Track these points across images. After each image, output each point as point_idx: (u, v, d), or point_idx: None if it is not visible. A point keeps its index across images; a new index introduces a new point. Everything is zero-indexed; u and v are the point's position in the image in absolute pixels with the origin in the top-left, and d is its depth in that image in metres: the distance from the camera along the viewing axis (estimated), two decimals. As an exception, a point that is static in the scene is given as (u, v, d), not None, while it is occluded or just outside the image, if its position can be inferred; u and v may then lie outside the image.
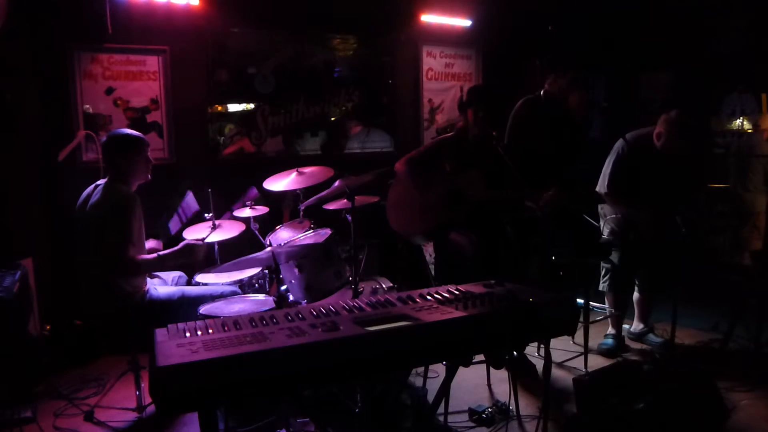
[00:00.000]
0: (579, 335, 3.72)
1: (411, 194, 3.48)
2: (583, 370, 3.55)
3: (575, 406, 2.80)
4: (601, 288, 4.01)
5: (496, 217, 3.45)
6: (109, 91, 4.23)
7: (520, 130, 3.78)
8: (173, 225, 3.58)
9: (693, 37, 5.62)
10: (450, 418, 2.91)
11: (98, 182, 3.08)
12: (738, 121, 5.62)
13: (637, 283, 3.98)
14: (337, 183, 3.19)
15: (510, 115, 3.85)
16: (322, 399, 3.03)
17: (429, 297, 2.17)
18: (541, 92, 3.85)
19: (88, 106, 4.17)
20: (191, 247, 2.96)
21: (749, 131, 5.48)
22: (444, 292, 2.22)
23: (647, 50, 5.84)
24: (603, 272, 3.99)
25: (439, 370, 3.42)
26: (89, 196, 3.03)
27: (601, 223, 3.99)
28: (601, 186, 3.83)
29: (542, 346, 3.55)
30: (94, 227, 2.91)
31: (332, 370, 1.74)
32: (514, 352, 3.39)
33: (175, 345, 1.64)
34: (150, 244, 3.30)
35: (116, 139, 3.05)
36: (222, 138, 4.74)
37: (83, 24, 4.02)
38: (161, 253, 2.98)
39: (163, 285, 3.28)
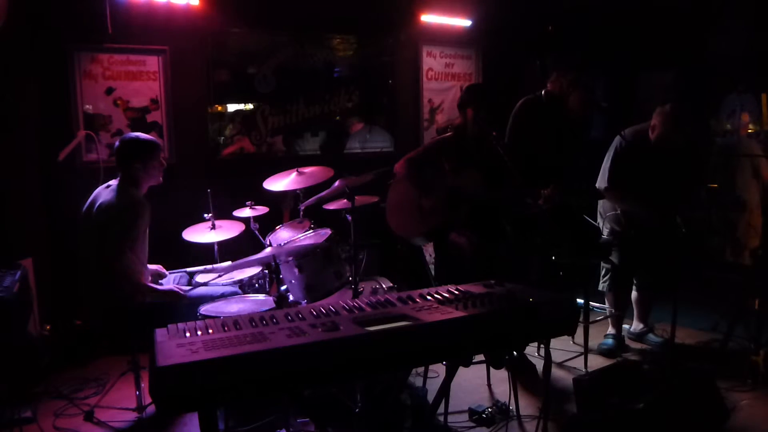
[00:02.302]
0: (579, 335, 3.72)
1: (411, 195, 3.48)
2: (583, 370, 3.55)
3: (575, 406, 2.80)
4: (601, 288, 4.01)
5: (496, 216, 3.46)
6: (109, 91, 4.23)
7: (520, 130, 3.78)
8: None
9: (693, 36, 5.61)
10: (450, 418, 2.91)
11: (110, 183, 3.07)
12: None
13: (635, 281, 3.98)
14: (337, 183, 3.19)
15: (510, 115, 3.85)
16: (322, 399, 3.03)
17: (429, 297, 2.17)
18: (543, 92, 3.85)
19: (88, 106, 4.16)
20: (175, 294, 3.03)
21: (740, 130, 5.48)
22: (444, 292, 2.22)
23: (647, 50, 5.84)
24: (603, 272, 3.99)
25: (439, 370, 3.42)
26: (98, 196, 3.03)
27: (601, 222, 3.99)
28: (601, 181, 3.83)
29: (542, 346, 3.55)
30: (99, 228, 2.91)
31: (332, 370, 1.73)
32: (514, 352, 3.39)
33: (175, 345, 1.64)
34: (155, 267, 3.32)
35: (130, 143, 3.04)
36: (222, 138, 4.74)
37: (83, 24, 4.02)
38: (150, 284, 3.04)
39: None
